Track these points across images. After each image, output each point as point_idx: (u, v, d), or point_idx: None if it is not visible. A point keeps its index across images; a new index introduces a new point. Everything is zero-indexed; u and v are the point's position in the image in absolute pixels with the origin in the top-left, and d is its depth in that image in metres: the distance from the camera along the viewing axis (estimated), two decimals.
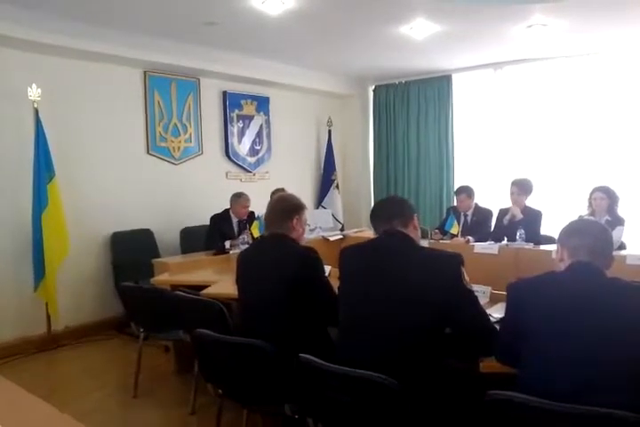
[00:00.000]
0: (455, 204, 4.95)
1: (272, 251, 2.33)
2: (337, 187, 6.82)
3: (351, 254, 2.08)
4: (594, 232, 1.75)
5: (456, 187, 5.16)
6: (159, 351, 3.93)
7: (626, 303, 1.57)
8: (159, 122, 5.17)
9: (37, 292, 4.15)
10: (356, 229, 5.57)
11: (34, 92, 4.08)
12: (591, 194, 4.13)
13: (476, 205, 4.80)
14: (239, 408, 2.46)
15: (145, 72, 5.05)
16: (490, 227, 4.70)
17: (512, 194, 4.47)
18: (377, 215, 2.09)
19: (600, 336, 1.52)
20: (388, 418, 1.65)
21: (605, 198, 4.04)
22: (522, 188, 4.46)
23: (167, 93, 5.24)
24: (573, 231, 1.78)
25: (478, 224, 4.71)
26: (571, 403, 1.39)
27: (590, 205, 4.14)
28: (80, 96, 4.59)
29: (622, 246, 4.01)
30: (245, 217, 4.75)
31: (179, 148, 5.36)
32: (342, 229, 6.04)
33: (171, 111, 5.28)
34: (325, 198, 6.75)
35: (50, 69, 4.39)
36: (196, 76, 5.44)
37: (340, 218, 6.74)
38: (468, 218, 4.79)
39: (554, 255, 1.82)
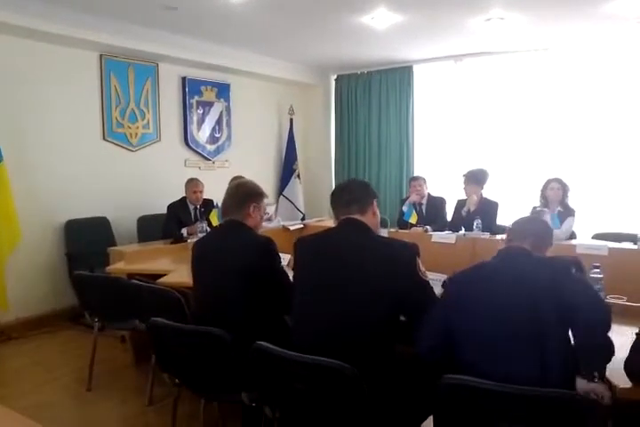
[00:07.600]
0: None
1: (228, 239, 2.30)
2: (298, 176, 6.78)
3: (307, 245, 2.05)
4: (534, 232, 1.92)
5: None
6: (115, 342, 3.83)
7: (551, 277, 1.70)
8: (116, 107, 5.02)
9: None
10: (317, 219, 5.58)
11: None
12: (547, 184, 4.23)
13: (429, 194, 4.93)
14: (197, 398, 2.44)
15: (101, 55, 4.87)
16: (445, 214, 4.80)
17: (466, 188, 4.54)
18: (336, 200, 2.04)
19: (530, 313, 1.64)
20: (345, 404, 1.66)
21: (561, 189, 4.17)
22: (475, 180, 4.52)
23: (124, 78, 5.08)
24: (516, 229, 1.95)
25: (435, 212, 4.82)
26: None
27: (543, 196, 4.25)
28: (31, 78, 4.39)
29: (573, 236, 4.16)
30: (199, 202, 4.69)
31: (136, 134, 5.22)
32: (303, 219, 6.04)
33: (128, 96, 5.12)
34: (286, 188, 6.70)
35: None
36: (154, 60, 5.29)
37: (302, 207, 6.72)
38: (423, 207, 4.89)
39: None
